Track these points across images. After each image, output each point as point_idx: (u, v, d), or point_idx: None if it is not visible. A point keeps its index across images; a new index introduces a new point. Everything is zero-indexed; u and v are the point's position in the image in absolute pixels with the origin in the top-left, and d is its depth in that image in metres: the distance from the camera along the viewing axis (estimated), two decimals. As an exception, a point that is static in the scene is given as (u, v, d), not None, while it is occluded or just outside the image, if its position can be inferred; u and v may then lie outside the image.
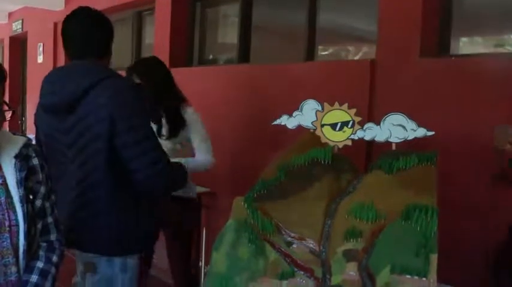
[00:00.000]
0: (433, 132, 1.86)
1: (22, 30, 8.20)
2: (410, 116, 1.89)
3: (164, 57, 4.55)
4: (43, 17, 7.13)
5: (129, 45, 5.45)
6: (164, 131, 2.77)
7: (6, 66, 1.50)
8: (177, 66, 4.51)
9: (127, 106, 1.84)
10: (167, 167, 1.91)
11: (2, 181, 1.45)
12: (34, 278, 1.48)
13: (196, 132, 2.77)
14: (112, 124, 1.80)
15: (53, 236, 1.57)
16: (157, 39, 4.78)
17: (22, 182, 1.46)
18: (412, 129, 1.88)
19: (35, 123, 2.08)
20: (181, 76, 4.30)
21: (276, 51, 3.99)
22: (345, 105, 1.97)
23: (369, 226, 1.56)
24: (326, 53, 3.63)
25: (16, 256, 1.44)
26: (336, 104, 1.98)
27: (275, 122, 2.10)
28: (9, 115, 1.46)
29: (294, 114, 2.06)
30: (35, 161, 1.53)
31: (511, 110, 2.17)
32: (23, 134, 1.66)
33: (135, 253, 2.00)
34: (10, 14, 8.71)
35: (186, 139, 2.81)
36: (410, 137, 1.88)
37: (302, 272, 1.51)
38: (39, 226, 1.53)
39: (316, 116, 2.00)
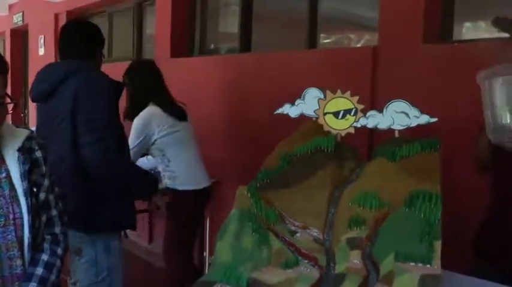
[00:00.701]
0: (436, 119, 1.85)
1: (23, 22, 8.18)
2: (413, 103, 1.88)
3: (165, 47, 4.55)
4: (44, 8, 7.10)
5: (130, 36, 5.42)
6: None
7: (7, 58, 1.50)
8: (178, 57, 4.51)
9: (91, 92, 2.12)
10: (116, 156, 2.15)
11: (6, 174, 1.46)
12: (39, 270, 1.48)
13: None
14: (75, 104, 2.07)
15: (57, 229, 1.58)
16: (158, 30, 4.77)
17: (26, 175, 1.46)
18: (415, 116, 1.86)
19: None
20: (182, 66, 4.32)
21: (278, 40, 3.97)
22: (348, 93, 1.96)
23: (372, 214, 1.55)
24: (328, 40, 3.61)
25: (21, 249, 1.45)
26: (339, 92, 1.97)
27: (277, 111, 2.09)
28: (11, 108, 1.46)
29: (296, 102, 2.05)
30: (38, 154, 1.53)
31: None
32: (26, 126, 1.65)
33: (105, 233, 2.19)
34: (10, 6, 8.67)
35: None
36: (413, 124, 1.86)
37: (306, 261, 1.51)
38: (43, 218, 1.53)
39: (319, 104, 1.99)
